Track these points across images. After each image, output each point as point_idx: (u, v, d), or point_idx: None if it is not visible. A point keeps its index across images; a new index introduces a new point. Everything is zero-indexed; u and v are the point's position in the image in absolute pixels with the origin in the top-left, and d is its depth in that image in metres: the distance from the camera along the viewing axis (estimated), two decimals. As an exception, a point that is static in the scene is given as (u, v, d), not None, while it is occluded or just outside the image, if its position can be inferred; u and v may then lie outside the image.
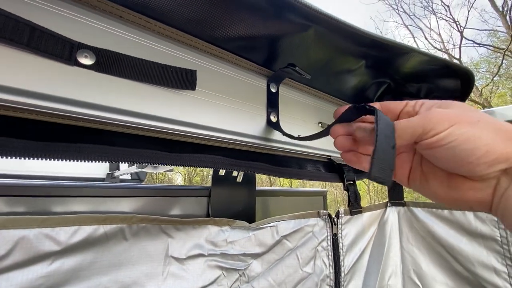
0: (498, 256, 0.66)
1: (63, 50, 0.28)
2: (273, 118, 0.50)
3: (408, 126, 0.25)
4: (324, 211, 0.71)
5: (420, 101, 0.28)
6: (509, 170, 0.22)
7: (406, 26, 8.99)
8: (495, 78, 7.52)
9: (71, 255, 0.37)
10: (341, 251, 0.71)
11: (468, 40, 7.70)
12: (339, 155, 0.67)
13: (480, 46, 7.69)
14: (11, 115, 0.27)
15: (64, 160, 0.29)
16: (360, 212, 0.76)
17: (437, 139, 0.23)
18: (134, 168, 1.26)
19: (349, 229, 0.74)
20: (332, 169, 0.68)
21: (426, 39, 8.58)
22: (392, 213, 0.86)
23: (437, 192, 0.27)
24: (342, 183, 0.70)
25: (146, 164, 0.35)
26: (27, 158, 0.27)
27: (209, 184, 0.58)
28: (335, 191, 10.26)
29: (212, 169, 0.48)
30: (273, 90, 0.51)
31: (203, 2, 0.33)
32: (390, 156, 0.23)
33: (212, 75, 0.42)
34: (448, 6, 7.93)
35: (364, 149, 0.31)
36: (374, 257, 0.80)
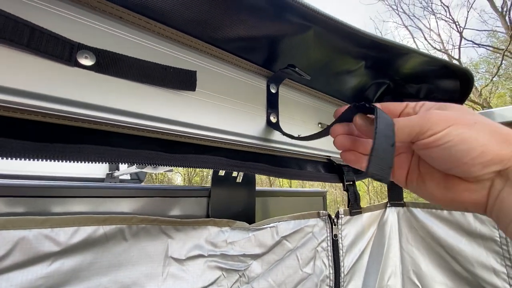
0: (497, 256, 0.66)
1: (63, 51, 0.28)
2: (273, 119, 0.50)
3: (406, 125, 0.25)
4: (324, 211, 0.71)
5: (420, 103, 0.28)
6: (503, 172, 0.22)
7: (406, 27, 9.01)
8: (494, 79, 7.54)
9: (71, 256, 0.37)
10: (341, 251, 0.71)
11: (468, 40, 7.72)
12: (338, 156, 0.67)
13: (480, 47, 7.71)
14: (10, 116, 0.27)
15: (63, 160, 0.29)
16: (360, 212, 0.76)
17: (434, 139, 0.23)
18: (134, 169, 1.26)
19: (349, 229, 0.74)
20: (331, 170, 0.68)
21: (425, 39, 8.60)
22: (392, 213, 0.86)
23: (433, 193, 0.27)
24: (341, 184, 0.71)
25: (146, 164, 0.35)
26: (26, 159, 0.27)
27: (208, 184, 0.58)
28: (334, 192, 10.26)
29: (212, 169, 0.48)
30: (273, 91, 0.51)
31: (203, 3, 0.33)
32: (389, 154, 0.23)
33: (212, 76, 0.42)
34: (447, 7, 7.94)
35: (364, 149, 0.31)
36: (374, 257, 0.80)
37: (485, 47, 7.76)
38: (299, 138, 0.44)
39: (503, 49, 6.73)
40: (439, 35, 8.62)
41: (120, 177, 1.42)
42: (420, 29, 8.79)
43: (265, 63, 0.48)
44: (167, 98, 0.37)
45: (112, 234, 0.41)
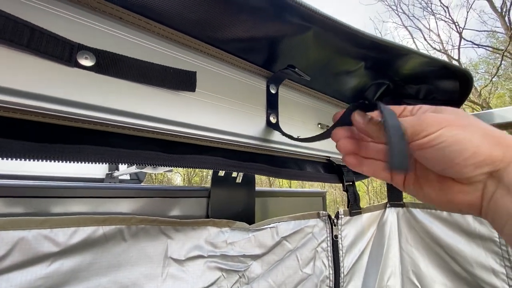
0: (497, 257, 0.66)
1: (63, 52, 0.28)
2: (273, 119, 0.50)
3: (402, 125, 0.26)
4: (324, 212, 0.71)
5: (417, 106, 0.29)
6: (495, 173, 0.23)
7: (405, 27, 9.03)
8: (494, 79, 7.55)
9: (70, 256, 0.37)
10: (340, 252, 0.71)
11: (467, 41, 7.74)
12: (338, 156, 0.68)
13: (479, 47, 7.72)
14: (10, 116, 0.27)
15: (63, 161, 0.29)
16: (360, 213, 0.76)
17: (428, 140, 0.24)
18: (134, 169, 1.26)
19: (349, 230, 0.74)
20: (331, 170, 0.68)
21: (425, 39, 8.61)
22: (391, 214, 0.86)
23: (429, 195, 0.28)
24: (341, 184, 0.71)
25: (146, 165, 0.35)
26: (26, 159, 0.27)
27: (208, 184, 0.58)
28: (334, 192, 10.27)
29: (212, 170, 0.48)
30: (273, 91, 0.51)
31: (202, 3, 0.33)
32: (404, 143, 0.23)
33: (211, 77, 0.42)
34: (447, 7, 7.96)
35: (365, 152, 0.32)
36: (373, 258, 0.80)
37: (484, 47, 7.77)
38: (299, 139, 0.44)
39: (502, 50, 6.75)
40: (438, 35, 8.64)
41: (120, 177, 1.42)
42: (420, 30, 8.81)
43: (265, 63, 0.48)
44: (166, 98, 0.37)
45: (112, 234, 0.41)
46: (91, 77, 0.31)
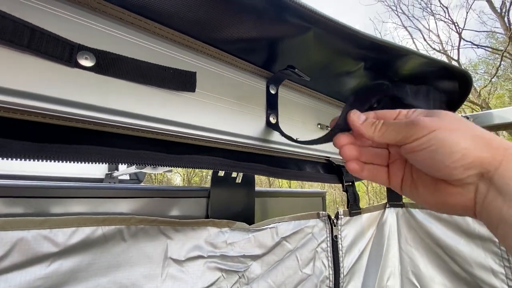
0: (496, 257, 0.66)
1: (63, 52, 0.28)
2: (273, 120, 0.50)
3: (394, 127, 0.28)
4: (324, 212, 0.72)
5: (411, 110, 0.30)
6: (486, 175, 0.23)
7: (405, 27, 9.04)
8: (493, 80, 7.56)
9: (70, 257, 0.37)
10: (340, 252, 0.71)
11: (467, 41, 7.75)
12: (338, 156, 0.68)
13: (479, 48, 7.74)
14: (11, 117, 0.27)
15: (63, 161, 0.29)
16: (359, 213, 0.76)
17: (419, 143, 0.25)
18: (133, 169, 1.26)
19: (349, 230, 0.74)
20: (331, 170, 0.68)
21: (424, 40, 8.62)
22: (391, 214, 0.86)
23: (425, 198, 0.29)
24: (341, 184, 0.71)
25: (146, 165, 0.35)
26: (26, 159, 0.27)
27: (208, 184, 0.58)
28: (334, 192, 10.27)
29: (212, 170, 0.48)
30: (273, 92, 0.51)
31: (202, 4, 0.33)
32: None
33: (211, 77, 0.42)
34: (446, 8, 7.97)
35: (365, 157, 0.33)
36: (373, 258, 0.80)
37: (484, 48, 7.79)
38: (298, 141, 0.44)
39: (502, 50, 6.76)
40: (438, 36, 8.64)
41: (119, 177, 1.42)
42: (419, 30, 8.83)
43: (265, 64, 0.48)
44: (167, 99, 0.37)
45: (111, 234, 0.41)
46: (91, 77, 0.31)
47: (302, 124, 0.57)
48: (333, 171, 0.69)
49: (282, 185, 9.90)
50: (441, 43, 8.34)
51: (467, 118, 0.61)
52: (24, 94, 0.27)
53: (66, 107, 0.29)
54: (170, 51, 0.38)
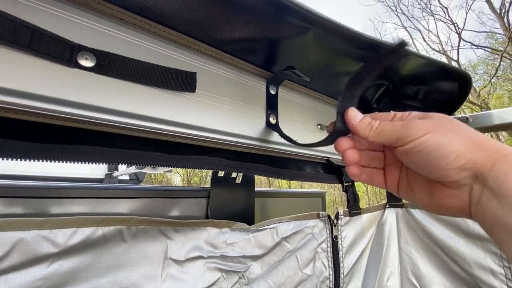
0: (495, 257, 0.66)
1: (63, 52, 0.28)
2: (273, 120, 0.50)
3: (389, 128, 0.28)
4: (324, 212, 0.72)
5: (406, 113, 0.30)
6: (480, 176, 0.24)
7: (405, 28, 9.05)
8: (492, 80, 7.58)
9: (69, 257, 0.37)
10: (340, 252, 0.71)
11: (466, 42, 7.76)
12: (337, 157, 0.68)
13: (478, 48, 7.75)
14: (11, 117, 0.27)
15: (64, 161, 0.29)
16: (359, 213, 0.76)
17: (413, 145, 0.26)
18: (133, 169, 1.26)
19: (348, 230, 0.74)
20: (331, 171, 0.68)
21: (424, 40, 8.64)
22: (391, 214, 0.86)
23: (422, 200, 0.29)
24: (340, 185, 0.71)
25: (146, 165, 0.35)
26: (26, 160, 0.27)
27: (207, 185, 0.58)
28: (333, 192, 10.28)
29: (212, 170, 0.48)
30: (273, 92, 0.51)
31: (203, 4, 0.33)
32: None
33: (212, 77, 0.42)
34: (446, 8, 7.98)
35: (364, 161, 0.33)
36: (373, 258, 0.80)
37: (483, 48, 7.80)
38: (298, 144, 0.45)
39: (501, 51, 6.77)
40: (438, 36, 8.65)
41: (119, 178, 1.42)
42: (419, 30, 8.85)
43: (265, 64, 0.49)
44: (167, 99, 0.37)
45: (111, 235, 0.41)
46: (91, 78, 0.31)
47: (301, 124, 0.57)
48: (333, 171, 0.69)
49: (281, 185, 9.90)
50: (441, 44, 8.35)
51: (467, 118, 0.61)
52: (24, 95, 0.27)
53: (66, 107, 0.29)
54: (170, 51, 0.38)
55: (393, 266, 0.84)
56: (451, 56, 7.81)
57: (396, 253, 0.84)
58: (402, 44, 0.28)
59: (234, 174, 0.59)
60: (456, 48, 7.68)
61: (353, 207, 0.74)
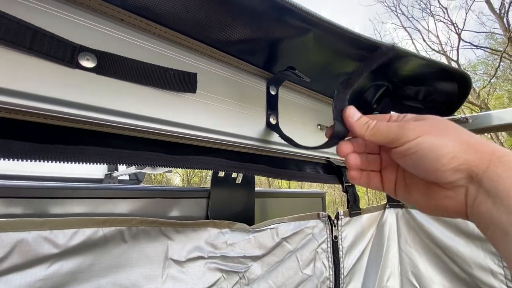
0: (495, 258, 0.66)
1: (65, 53, 0.28)
2: (273, 121, 0.50)
3: (384, 129, 0.28)
4: (324, 213, 0.72)
5: (402, 115, 0.31)
6: (475, 177, 0.24)
7: (405, 28, 9.06)
8: (492, 80, 7.59)
9: (70, 258, 0.37)
10: (340, 253, 0.71)
11: (466, 42, 7.77)
12: (337, 157, 0.68)
13: (478, 48, 7.76)
14: (12, 118, 0.27)
15: (64, 162, 0.29)
16: (359, 213, 0.76)
17: (408, 147, 0.26)
18: (133, 169, 1.26)
19: (349, 230, 0.74)
20: (331, 171, 0.68)
21: (424, 41, 8.64)
22: (391, 214, 0.86)
23: (419, 201, 0.30)
24: (340, 185, 0.71)
25: (147, 166, 0.35)
26: (27, 160, 0.27)
27: (208, 185, 0.58)
28: (333, 192, 10.28)
29: (212, 170, 0.48)
30: (273, 93, 0.51)
31: (203, 5, 0.33)
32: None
33: (212, 78, 0.42)
34: (446, 9, 8.00)
35: (364, 165, 0.33)
36: (373, 258, 0.80)
37: (483, 48, 7.81)
38: (298, 146, 0.45)
39: (501, 51, 6.78)
40: (437, 36, 8.66)
41: (119, 178, 1.42)
42: (419, 31, 8.85)
43: (265, 65, 0.49)
44: (167, 100, 0.37)
45: (112, 235, 0.41)
46: (92, 78, 0.31)
47: (302, 124, 0.57)
48: (333, 171, 0.69)
49: (281, 185, 9.90)
50: (441, 44, 8.36)
51: (466, 119, 0.61)
52: (25, 95, 0.27)
53: (66, 108, 0.29)
54: (171, 52, 0.38)
55: (393, 267, 0.84)
56: (450, 56, 7.82)
57: (396, 254, 0.84)
58: (389, 48, 0.28)
59: (234, 175, 0.59)
60: (455, 48, 7.70)
61: (353, 208, 0.74)
